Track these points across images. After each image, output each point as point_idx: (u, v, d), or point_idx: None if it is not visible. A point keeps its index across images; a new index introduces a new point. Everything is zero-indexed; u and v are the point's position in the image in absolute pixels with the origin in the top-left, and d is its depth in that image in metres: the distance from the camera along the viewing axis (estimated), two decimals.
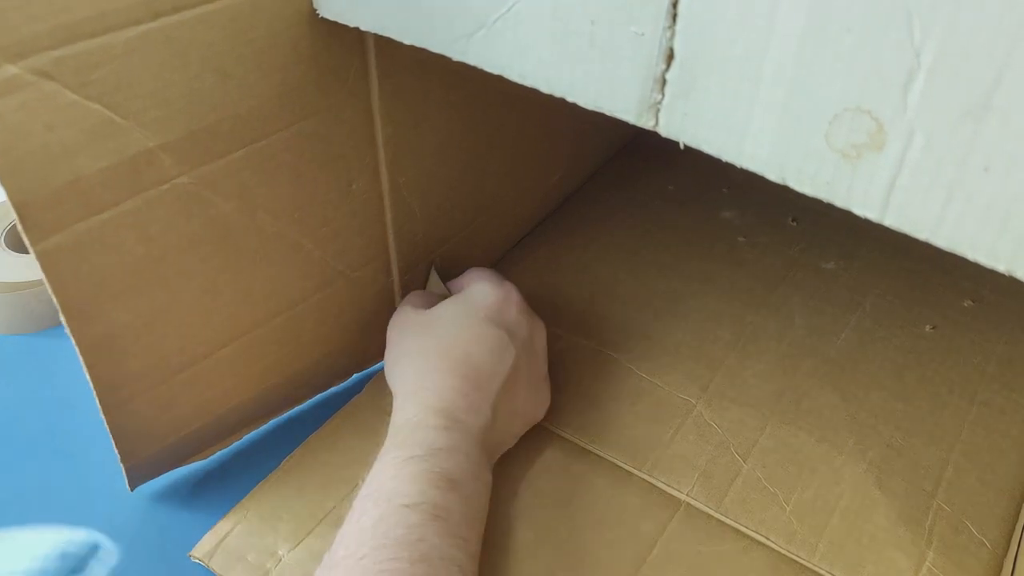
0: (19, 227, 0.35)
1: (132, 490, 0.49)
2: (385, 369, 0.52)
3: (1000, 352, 0.59)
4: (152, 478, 0.50)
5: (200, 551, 0.47)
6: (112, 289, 0.39)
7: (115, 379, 0.42)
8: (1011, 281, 0.23)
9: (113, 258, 0.38)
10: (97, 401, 0.42)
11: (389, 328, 0.53)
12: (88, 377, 0.41)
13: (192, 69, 0.37)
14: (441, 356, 0.48)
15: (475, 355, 0.48)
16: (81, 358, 0.40)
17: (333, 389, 0.57)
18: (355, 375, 0.58)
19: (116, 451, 0.45)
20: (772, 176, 0.25)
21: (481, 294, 0.52)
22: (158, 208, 0.39)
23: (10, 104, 0.32)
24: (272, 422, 0.54)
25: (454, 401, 0.46)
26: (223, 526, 0.48)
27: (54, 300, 0.37)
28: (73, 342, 0.39)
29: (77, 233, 0.36)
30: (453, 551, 0.39)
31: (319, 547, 0.47)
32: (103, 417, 0.43)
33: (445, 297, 0.54)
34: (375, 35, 0.36)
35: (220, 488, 0.51)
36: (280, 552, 0.47)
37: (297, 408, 0.56)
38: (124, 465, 0.46)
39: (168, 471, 0.50)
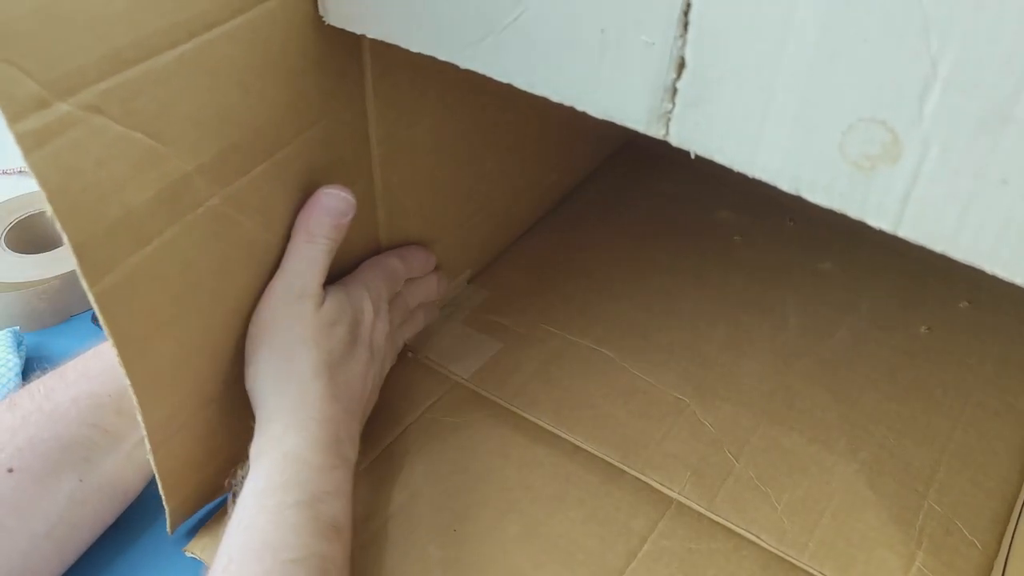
0: (77, 270, 0.33)
1: (172, 532, 0.46)
2: (249, 371, 0.43)
3: (995, 354, 0.59)
4: (188, 516, 0.48)
5: (196, 547, 0.47)
6: (158, 321, 0.38)
7: (163, 415, 0.41)
8: (1007, 284, 0.23)
9: (158, 289, 0.37)
10: (147, 441, 0.40)
11: (255, 316, 0.43)
12: (140, 418, 0.39)
13: (221, 87, 0.36)
14: (318, 375, 0.42)
15: (352, 380, 0.45)
16: (135, 398, 0.38)
17: None
18: None
19: (161, 492, 0.43)
20: (785, 186, 0.25)
21: (351, 309, 0.46)
22: (194, 232, 0.38)
23: (63, 143, 0.31)
24: None
25: (337, 434, 0.42)
26: (218, 522, 0.48)
27: (109, 339, 0.36)
28: (128, 383, 0.38)
29: (128, 268, 0.35)
30: None
31: None
32: (150, 458, 0.41)
33: None
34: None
35: None
36: None
37: None
38: (168, 505, 0.44)
39: (203, 506, 0.48)
